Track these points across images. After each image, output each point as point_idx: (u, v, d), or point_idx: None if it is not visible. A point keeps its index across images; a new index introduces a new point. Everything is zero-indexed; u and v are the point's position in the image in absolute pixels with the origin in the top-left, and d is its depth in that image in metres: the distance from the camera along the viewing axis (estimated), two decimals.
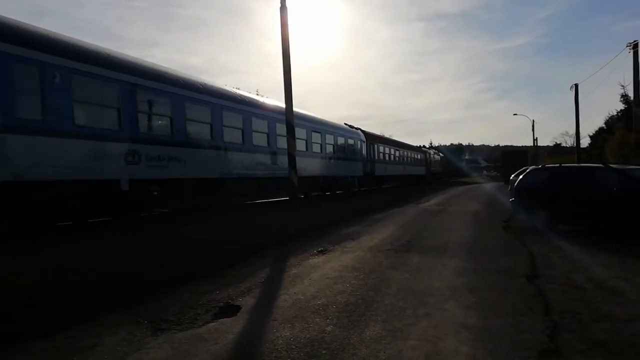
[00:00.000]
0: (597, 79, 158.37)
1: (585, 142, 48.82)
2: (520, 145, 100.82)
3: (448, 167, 69.56)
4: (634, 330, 4.03)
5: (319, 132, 22.00)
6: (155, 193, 12.33)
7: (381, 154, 32.45)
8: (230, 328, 4.28)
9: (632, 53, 28.79)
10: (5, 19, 9.05)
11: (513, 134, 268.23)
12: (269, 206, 17.05)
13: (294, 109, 14.50)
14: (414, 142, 51.46)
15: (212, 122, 14.09)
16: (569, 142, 69.93)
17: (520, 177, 12.21)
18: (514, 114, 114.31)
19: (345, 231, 10.84)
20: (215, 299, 5.21)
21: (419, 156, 46.10)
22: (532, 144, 60.67)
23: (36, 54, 9.03)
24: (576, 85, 36.02)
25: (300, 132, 18.64)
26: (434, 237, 9.62)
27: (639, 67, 28.39)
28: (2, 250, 7.38)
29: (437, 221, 12.88)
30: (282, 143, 16.16)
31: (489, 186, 40.22)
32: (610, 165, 11.51)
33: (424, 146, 64.47)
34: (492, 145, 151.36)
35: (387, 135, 35.08)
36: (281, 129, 16.25)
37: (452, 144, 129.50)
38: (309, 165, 20.19)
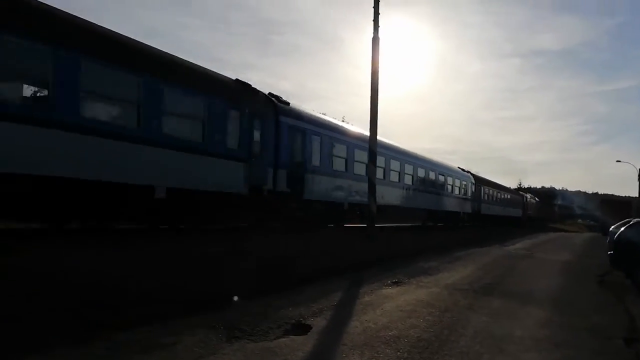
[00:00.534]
0: None
1: None
2: (623, 195, 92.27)
3: (540, 211, 66.12)
4: None
5: (443, 175, 28.03)
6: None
7: (486, 195, 37.26)
8: (301, 346, 4.32)
9: None
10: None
11: (614, 182, 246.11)
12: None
13: (424, 154, 22.71)
14: (502, 181, 51.11)
15: (347, 157, 17.71)
16: None
17: (622, 228, 11.11)
18: (617, 161, 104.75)
19: (422, 265, 10.58)
20: (288, 316, 5.31)
21: (517, 199, 50.54)
22: (637, 195, 55.29)
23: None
24: None
25: (430, 174, 25.69)
26: (517, 283, 9.06)
27: None
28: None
29: (523, 267, 12.14)
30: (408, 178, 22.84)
31: (583, 235, 37.53)
32: None
33: (517, 188, 66.26)
34: (590, 192, 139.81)
35: (473, 172, 35.90)
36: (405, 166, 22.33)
37: (543, 187, 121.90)
38: (438, 201, 27.02)
